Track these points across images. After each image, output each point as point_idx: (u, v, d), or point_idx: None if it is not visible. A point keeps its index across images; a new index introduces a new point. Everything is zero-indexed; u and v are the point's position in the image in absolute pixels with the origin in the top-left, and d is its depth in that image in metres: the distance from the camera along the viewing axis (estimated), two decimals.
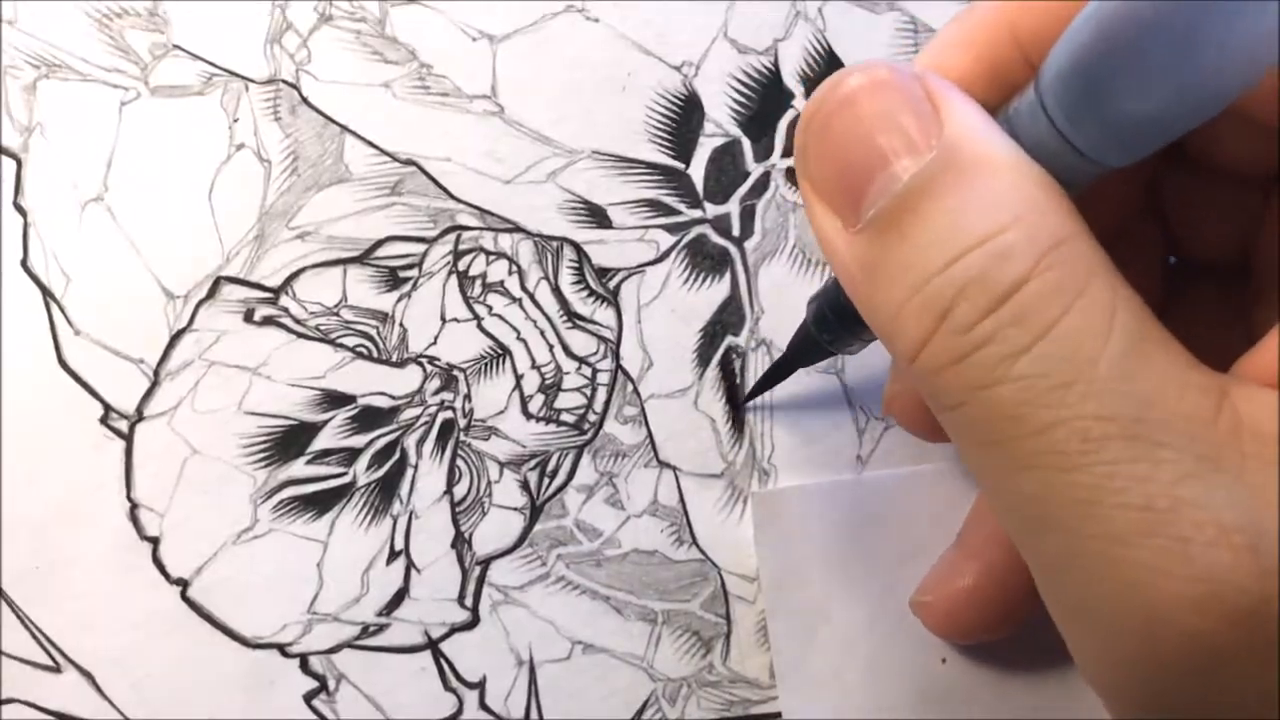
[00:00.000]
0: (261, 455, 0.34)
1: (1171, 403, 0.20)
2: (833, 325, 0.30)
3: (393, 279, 0.35)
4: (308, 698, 0.34)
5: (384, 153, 0.35)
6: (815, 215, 0.24)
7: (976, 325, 0.21)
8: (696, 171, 0.36)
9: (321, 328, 0.35)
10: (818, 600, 0.35)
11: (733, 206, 0.36)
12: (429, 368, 0.35)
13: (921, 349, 0.22)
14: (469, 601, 0.35)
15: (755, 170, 0.37)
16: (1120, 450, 0.20)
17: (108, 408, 0.34)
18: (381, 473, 0.35)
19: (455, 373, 0.35)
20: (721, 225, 0.36)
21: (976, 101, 0.23)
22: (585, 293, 0.36)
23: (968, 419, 0.22)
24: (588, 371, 0.36)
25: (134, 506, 0.34)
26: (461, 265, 0.35)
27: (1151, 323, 0.21)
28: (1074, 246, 0.21)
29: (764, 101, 0.37)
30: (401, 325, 0.35)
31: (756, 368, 0.36)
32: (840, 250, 0.24)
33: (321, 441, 0.35)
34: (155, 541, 0.34)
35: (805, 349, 0.33)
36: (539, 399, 0.35)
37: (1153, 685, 0.21)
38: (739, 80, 0.37)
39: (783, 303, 0.36)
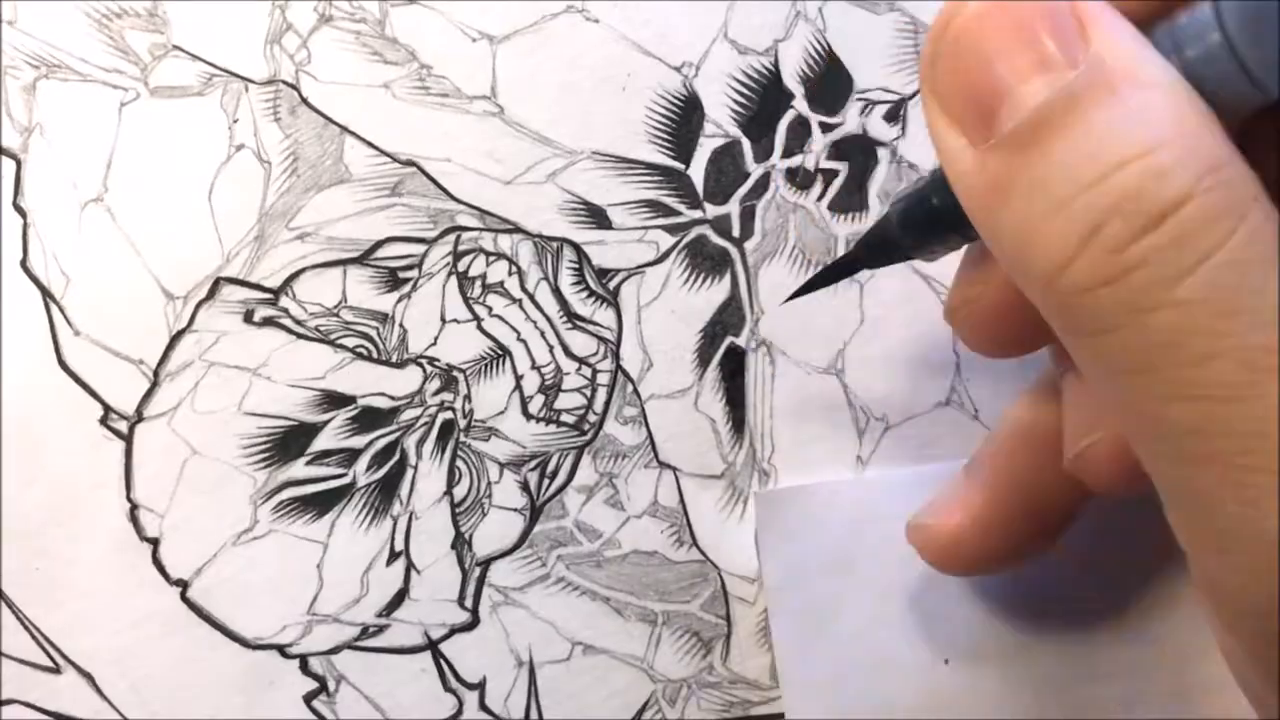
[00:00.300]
0: (261, 456, 0.35)
1: None
2: (920, 227, 0.28)
3: (393, 280, 0.35)
4: (308, 699, 0.35)
5: (384, 153, 0.36)
6: (939, 132, 0.23)
7: (1132, 245, 0.20)
8: (696, 172, 0.37)
9: (321, 328, 0.35)
10: (820, 600, 0.35)
11: (733, 207, 0.37)
12: (429, 368, 0.35)
13: (1065, 268, 0.21)
14: (469, 602, 0.35)
15: (755, 171, 0.37)
16: None
17: (107, 408, 0.34)
18: (381, 473, 0.35)
19: (455, 373, 0.35)
20: (721, 226, 0.37)
21: (1130, 20, 0.22)
22: (585, 293, 0.36)
23: (1117, 345, 0.21)
24: (588, 372, 0.36)
25: (134, 507, 0.34)
26: (461, 266, 0.36)
27: None
28: (1233, 171, 0.20)
29: (764, 102, 0.37)
30: (401, 326, 0.35)
31: (758, 368, 0.36)
32: (967, 168, 0.23)
33: (321, 442, 0.35)
34: (155, 542, 0.34)
35: (879, 248, 0.31)
36: (539, 400, 0.36)
37: None
38: (739, 81, 0.37)
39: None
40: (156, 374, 0.35)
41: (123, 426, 0.34)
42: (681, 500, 0.36)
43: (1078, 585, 0.36)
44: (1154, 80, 0.21)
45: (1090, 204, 0.20)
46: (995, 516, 0.31)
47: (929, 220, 0.28)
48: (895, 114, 0.37)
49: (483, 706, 0.35)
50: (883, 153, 0.37)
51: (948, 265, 0.35)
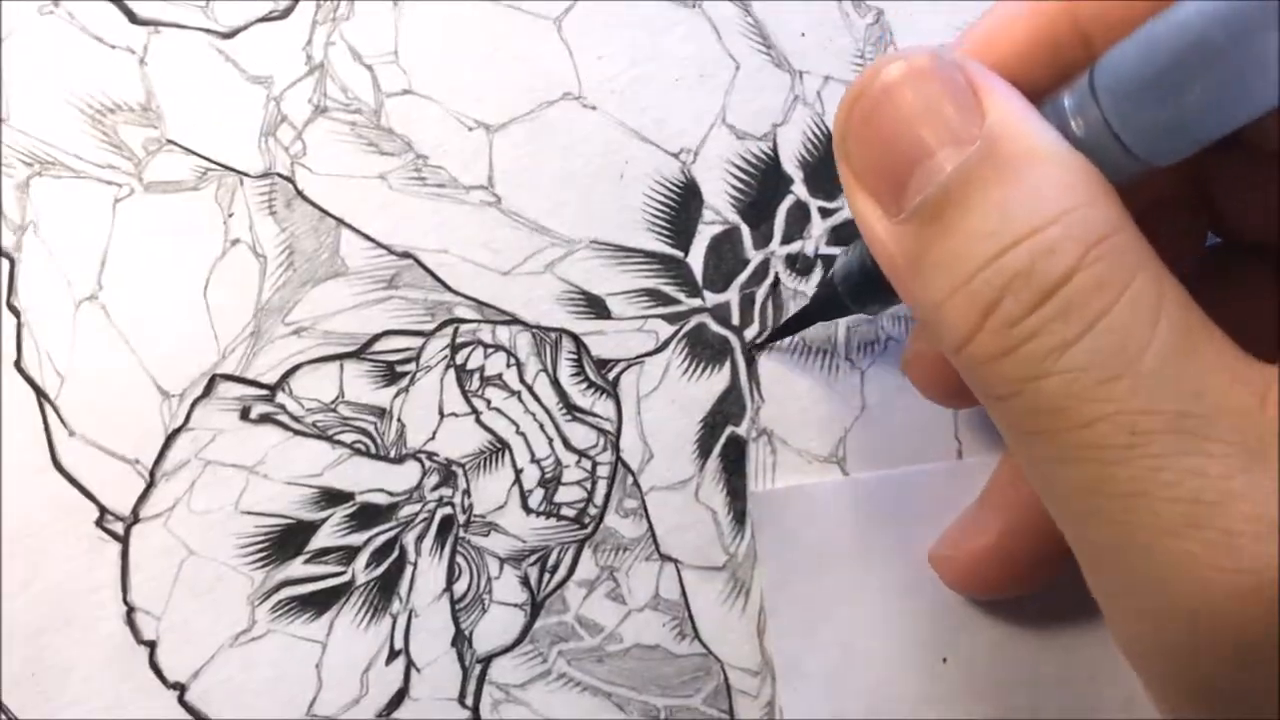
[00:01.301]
0: (259, 555, 0.35)
1: (1218, 396, 0.21)
2: (858, 287, 0.31)
3: (390, 374, 0.36)
4: None
5: (380, 245, 0.36)
6: (856, 202, 0.25)
7: (1023, 319, 0.22)
8: (696, 260, 0.37)
9: (318, 424, 0.35)
10: (818, 599, 0.36)
11: (732, 295, 0.37)
12: (428, 463, 0.36)
13: (969, 341, 0.23)
14: (470, 700, 0.35)
15: (754, 258, 0.37)
16: (1168, 444, 0.21)
17: (103, 510, 0.35)
18: (380, 571, 0.35)
19: (454, 468, 0.36)
20: (721, 314, 0.37)
21: (1019, 89, 0.24)
22: (584, 384, 0.36)
23: (1015, 410, 0.23)
24: (588, 464, 0.36)
25: (130, 610, 0.35)
26: (459, 358, 0.36)
27: (1197, 315, 0.22)
28: (1119, 240, 0.22)
29: (763, 188, 0.37)
30: (399, 420, 0.36)
31: (759, 458, 0.37)
32: (882, 239, 0.24)
33: (319, 540, 0.35)
34: (152, 645, 0.35)
35: (827, 305, 0.34)
36: (539, 493, 0.36)
37: (1198, 674, 0.22)
38: (737, 166, 0.37)
39: (783, 391, 0.37)
40: (153, 474, 0.35)
41: (119, 528, 0.35)
42: (683, 593, 0.36)
43: (1077, 584, 0.36)
44: (1044, 153, 0.22)
45: (988, 281, 0.22)
46: (1013, 543, 0.33)
47: (864, 281, 0.31)
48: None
49: None
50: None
51: None
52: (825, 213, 0.37)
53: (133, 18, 0.36)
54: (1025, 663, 0.36)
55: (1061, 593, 0.35)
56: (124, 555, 0.35)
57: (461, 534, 0.36)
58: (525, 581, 0.36)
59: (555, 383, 0.36)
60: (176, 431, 0.35)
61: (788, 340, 0.37)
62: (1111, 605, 0.24)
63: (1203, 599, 0.21)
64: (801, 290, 0.37)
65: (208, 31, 0.36)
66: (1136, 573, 0.22)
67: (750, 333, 0.37)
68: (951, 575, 0.35)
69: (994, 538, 0.33)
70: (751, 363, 0.37)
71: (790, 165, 0.38)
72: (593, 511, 0.36)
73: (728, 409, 0.37)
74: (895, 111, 0.24)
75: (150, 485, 0.35)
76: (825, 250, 0.37)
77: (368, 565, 0.35)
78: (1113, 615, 0.24)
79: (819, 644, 0.36)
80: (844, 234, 0.37)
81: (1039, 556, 0.33)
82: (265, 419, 0.35)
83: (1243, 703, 0.22)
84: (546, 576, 0.36)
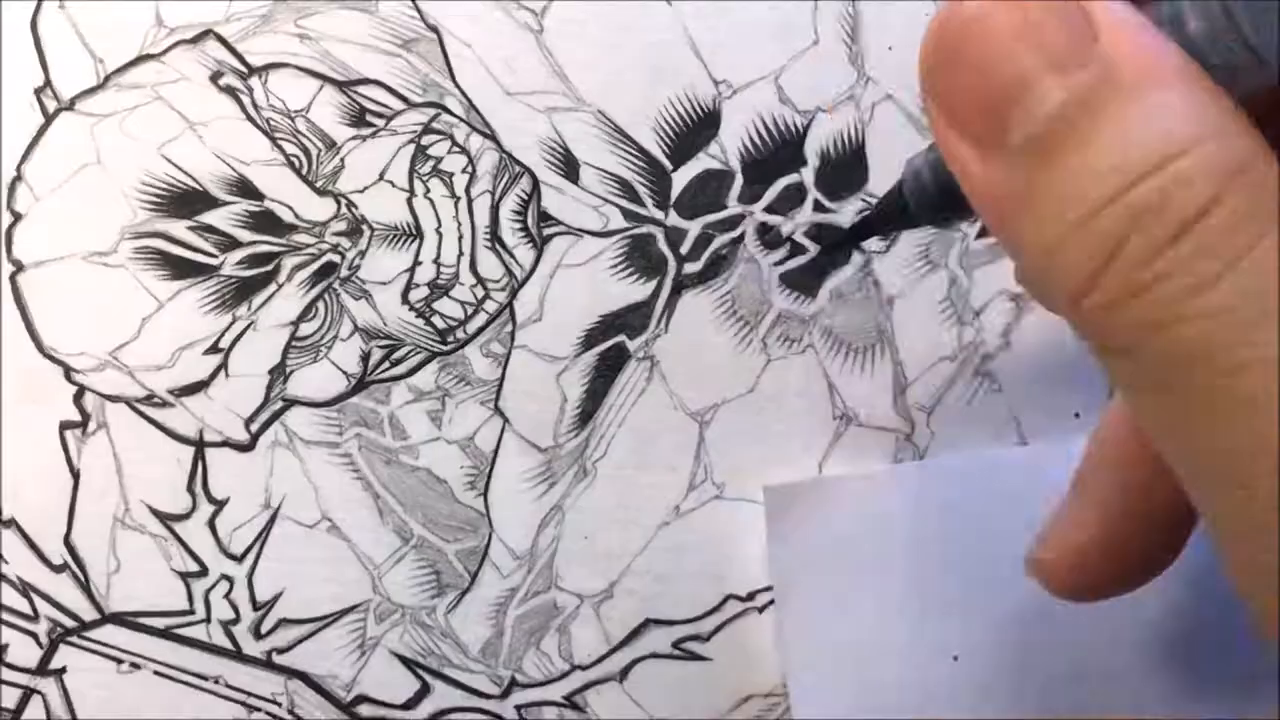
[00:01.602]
0: (154, 199, 0.36)
1: None
2: (931, 201, 0.28)
3: (359, 118, 0.37)
4: (63, 426, 0.35)
5: (416, 8, 0.37)
6: (948, 144, 0.23)
7: (1154, 260, 0.20)
8: (680, 179, 0.37)
9: (271, 123, 0.36)
10: (828, 595, 0.36)
11: (694, 226, 0.37)
12: (344, 209, 0.36)
13: (1091, 287, 0.20)
14: (255, 427, 0.36)
15: (733, 208, 0.37)
16: None
17: (49, 82, 0.36)
18: (247, 273, 0.36)
19: (364, 226, 0.36)
20: (674, 238, 0.37)
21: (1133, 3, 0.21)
22: (519, 226, 0.37)
23: (1143, 362, 0.20)
24: (480, 293, 0.37)
25: (18, 177, 0.35)
26: (425, 141, 0.37)
27: None
28: (1259, 170, 0.20)
29: (775, 155, 0.38)
30: (342, 160, 0.36)
31: (632, 378, 0.37)
32: (979, 180, 0.22)
33: (212, 218, 0.36)
34: (17, 217, 0.35)
35: (892, 214, 0.31)
36: (424, 291, 0.36)
37: None
38: (765, 124, 0.38)
39: (690, 334, 0.37)
40: (108, 78, 0.36)
41: (51, 106, 0.36)
42: (496, 450, 0.36)
43: None
44: (1169, 75, 0.20)
45: (1113, 218, 0.20)
46: (1118, 535, 0.30)
47: (940, 194, 0.27)
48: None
49: (210, 524, 0.35)
50: (857, 257, 0.38)
51: (855, 383, 0.35)
52: (819, 207, 0.38)
53: None
54: (1036, 661, 0.36)
55: None
56: (42, 129, 0.36)
57: (336, 285, 0.36)
58: (365, 357, 0.36)
59: (495, 209, 0.37)
60: (150, 56, 0.36)
61: (719, 297, 0.37)
62: (1256, 586, 0.21)
63: None
64: (756, 257, 0.37)
65: None
66: None
67: (691, 268, 0.37)
68: (1058, 581, 0.31)
69: (1098, 530, 0.30)
70: (676, 293, 0.37)
71: (811, 151, 0.38)
72: (460, 335, 0.36)
73: (631, 319, 0.37)
74: (991, 36, 0.21)
75: (101, 86, 0.36)
76: (800, 238, 0.37)
77: (240, 263, 0.36)
78: (1258, 598, 0.21)
79: (829, 640, 0.36)
80: (825, 233, 0.37)
81: (1150, 545, 0.30)
82: (230, 91, 0.36)
83: None
84: (386, 364, 0.36)
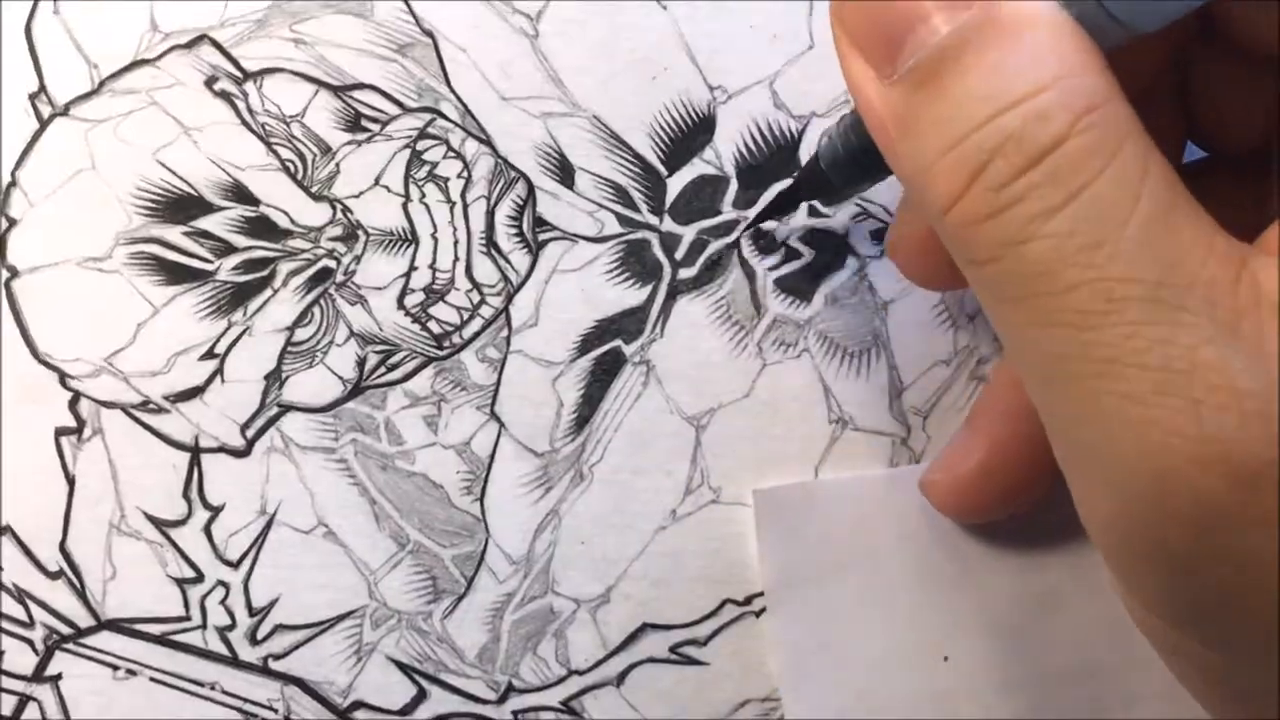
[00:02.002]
0: (149, 204, 0.36)
1: (1195, 268, 0.22)
2: (842, 165, 0.32)
3: (354, 123, 0.37)
4: (59, 432, 0.35)
5: (412, 13, 0.37)
6: (848, 63, 0.25)
7: (1011, 183, 0.22)
8: (675, 185, 0.38)
9: (267, 128, 0.36)
10: (819, 598, 0.36)
11: (689, 232, 0.38)
12: (339, 215, 0.36)
13: (954, 204, 0.23)
14: (250, 433, 0.36)
15: (728, 213, 0.38)
16: (1142, 312, 0.21)
17: (43, 88, 0.36)
18: (243, 279, 0.36)
19: (360, 232, 0.36)
20: (669, 243, 0.37)
21: None
22: (514, 231, 0.37)
23: (996, 274, 0.23)
24: (476, 298, 0.37)
25: (12, 183, 0.36)
26: (420, 146, 0.37)
27: (1180, 188, 0.22)
28: (1110, 109, 0.22)
29: (770, 160, 0.38)
30: (337, 165, 0.37)
31: (628, 382, 0.37)
32: (873, 99, 0.25)
33: (208, 223, 0.36)
34: (12, 222, 0.35)
35: (812, 183, 0.35)
36: (419, 296, 0.37)
37: (1157, 540, 0.23)
38: (760, 130, 0.38)
39: (685, 338, 0.37)
40: (102, 84, 0.36)
41: (46, 111, 0.36)
42: (493, 455, 0.36)
43: (1078, 583, 0.37)
44: (1040, 19, 0.23)
45: (978, 144, 0.23)
46: (997, 463, 0.34)
47: (848, 159, 0.31)
48: (883, 235, 0.38)
49: (206, 530, 0.35)
50: (851, 261, 0.38)
51: (851, 386, 0.36)
52: (814, 212, 0.38)
53: None
54: (1026, 661, 0.36)
55: (1063, 591, 0.36)
56: (36, 135, 0.36)
57: (332, 290, 0.36)
58: (361, 363, 0.36)
59: (490, 214, 0.37)
60: (145, 62, 0.36)
61: (714, 301, 0.37)
62: (1076, 476, 0.24)
63: (1165, 465, 0.22)
64: (751, 263, 0.38)
65: None
66: (1102, 440, 0.22)
67: (685, 273, 0.37)
68: (941, 498, 0.36)
69: (981, 455, 0.34)
70: (671, 297, 0.37)
71: (807, 155, 0.38)
72: (456, 340, 0.37)
73: (627, 324, 0.37)
74: None
75: (95, 91, 0.36)
76: (795, 243, 0.38)
77: (235, 268, 0.36)
78: (1077, 486, 0.24)
79: (820, 642, 0.36)
80: (820, 238, 0.38)
81: (1026, 474, 0.34)
82: (225, 96, 0.36)
83: (1199, 571, 0.22)
84: (382, 370, 0.36)
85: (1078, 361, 0.22)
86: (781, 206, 0.37)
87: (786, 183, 0.38)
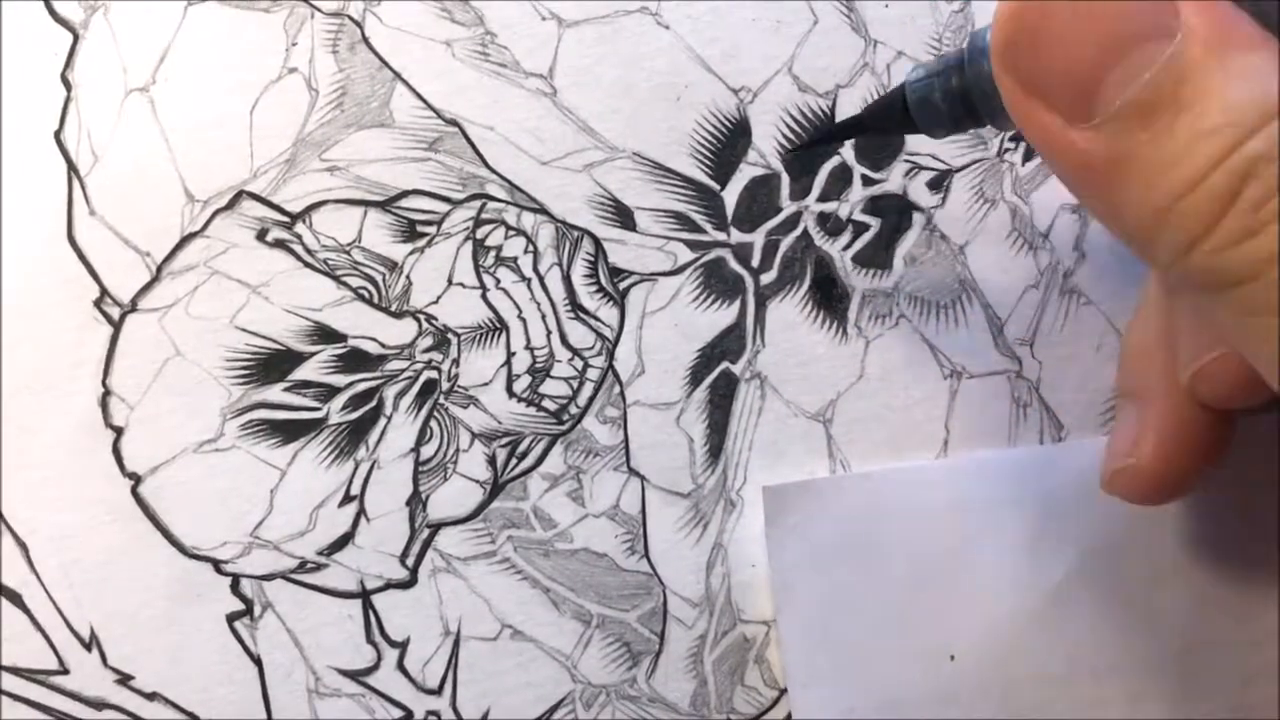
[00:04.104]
0: (242, 372, 0.37)
1: None
2: (934, 110, 0.31)
3: (410, 231, 0.37)
4: (230, 618, 0.36)
5: (430, 107, 0.38)
6: (1030, 114, 0.25)
7: (1270, 200, 0.22)
8: (730, 195, 0.39)
9: (330, 262, 0.37)
10: (826, 594, 0.37)
11: (758, 237, 0.39)
12: (425, 325, 0.37)
13: (1205, 234, 0.23)
14: (410, 561, 0.37)
15: (788, 207, 0.39)
16: None
17: (104, 291, 0.36)
18: (355, 416, 0.37)
19: (449, 335, 0.37)
20: (742, 253, 0.38)
21: None
22: (594, 288, 0.38)
23: (1255, 291, 0.23)
24: (579, 364, 0.38)
25: (106, 393, 0.36)
26: (480, 234, 0.38)
27: None
28: None
29: (812, 143, 0.39)
30: (408, 278, 0.37)
31: (747, 399, 0.38)
32: (1076, 145, 0.24)
33: (304, 372, 0.37)
34: (119, 431, 0.36)
35: (886, 117, 0.33)
36: (526, 379, 0.37)
37: None
38: (792, 116, 0.39)
39: (786, 342, 0.38)
40: (160, 269, 0.37)
41: (115, 313, 0.36)
42: (643, 510, 0.37)
43: (1085, 582, 0.38)
44: (1246, 37, 0.23)
45: (1228, 172, 0.22)
46: (1178, 444, 0.33)
47: (944, 100, 0.30)
48: (939, 183, 0.39)
49: (400, 666, 0.36)
50: (918, 217, 0.39)
51: (954, 338, 0.37)
52: (867, 180, 0.39)
53: None
54: (1032, 660, 0.37)
55: (1068, 589, 0.37)
56: (113, 340, 0.36)
57: (441, 400, 0.37)
58: (492, 461, 0.37)
59: (567, 278, 0.38)
60: (193, 235, 0.37)
61: (801, 293, 0.39)
62: None
63: None
64: (826, 250, 0.39)
65: None
66: None
67: (767, 278, 0.38)
68: (1140, 484, 0.34)
69: (1162, 442, 0.33)
70: (761, 306, 0.38)
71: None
72: (574, 410, 0.38)
73: (728, 344, 0.38)
74: (1077, 13, 0.24)
75: (155, 279, 0.37)
76: (859, 216, 0.39)
77: (344, 408, 0.37)
78: None
79: (827, 640, 0.37)
80: (881, 204, 0.39)
81: (1201, 452, 0.33)
82: (280, 244, 0.37)
83: None
84: (514, 461, 0.37)
85: None
86: (845, 133, 0.37)
87: (833, 162, 0.39)
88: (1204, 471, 0.34)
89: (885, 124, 0.34)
